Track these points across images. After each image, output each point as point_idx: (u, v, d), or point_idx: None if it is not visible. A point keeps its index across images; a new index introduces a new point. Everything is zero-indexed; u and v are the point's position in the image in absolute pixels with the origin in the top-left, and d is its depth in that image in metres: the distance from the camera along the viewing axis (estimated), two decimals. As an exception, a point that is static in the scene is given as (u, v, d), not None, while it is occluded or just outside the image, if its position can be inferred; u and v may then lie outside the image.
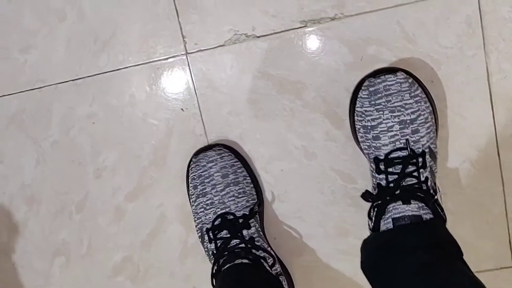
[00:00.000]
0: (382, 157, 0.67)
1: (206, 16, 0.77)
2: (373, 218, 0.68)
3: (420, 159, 0.67)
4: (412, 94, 0.68)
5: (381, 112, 0.67)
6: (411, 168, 0.66)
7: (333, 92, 0.77)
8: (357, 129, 0.71)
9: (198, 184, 0.76)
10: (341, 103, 0.77)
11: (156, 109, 0.81)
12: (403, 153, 0.67)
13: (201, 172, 0.76)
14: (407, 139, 0.67)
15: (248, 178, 0.78)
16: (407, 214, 0.64)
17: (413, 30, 0.73)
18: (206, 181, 0.75)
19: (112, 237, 0.86)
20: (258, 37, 0.77)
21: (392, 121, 0.67)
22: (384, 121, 0.67)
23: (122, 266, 0.87)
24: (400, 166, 0.66)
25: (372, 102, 0.68)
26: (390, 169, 0.67)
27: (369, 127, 0.69)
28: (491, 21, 0.72)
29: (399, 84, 0.67)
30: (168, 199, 0.83)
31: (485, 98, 0.75)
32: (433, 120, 0.70)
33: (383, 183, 0.67)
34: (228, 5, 0.76)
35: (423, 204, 0.65)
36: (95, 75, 0.81)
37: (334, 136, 0.78)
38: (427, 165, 0.67)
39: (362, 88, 0.70)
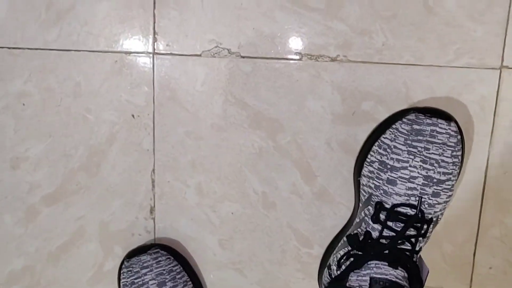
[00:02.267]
0: (388, 206, 0.57)
1: (188, 16, 0.64)
2: (342, 266, 0.57)
3: (425, 226, 0.57)
4: (454, 154, 0.57)
5: (412, 157, 0.57)
6: (411, 232, 0.56)
7: (312, 141, 0.66)
8: (369, 160, 0.60)
9: None
10: (318, 156, 0.66)
11: (103, 108, 0.67)
12: (411, 212, 0.56)
13: (134, 279, 0.64)
14: (422, 199, 0.56)
15: (190, 283, 0.67)
16: (389, 279, 0.54)
17: (419, 96, 0.63)
18: None
19: (16, 239, 0.72)
20: (243, 57, 0.65)
21: (418, 172, 0.56)
22: (409, 168, 0.57)
23: (20, 275, 0.73)
24: (402, 225, 0.56)
25: (408, 142, 0.57)
26: (389, 223, 0.56)
27: (389, 167, 0.57)
28: (506, 109, 0.63)
29: (447, 136, 0.57)
30: (92, 213, 0.70)
31: (477, 191, 0.66)
32: (453, 192, 0.60)
33: (375, 234, 0.57)
34: (217, 10, 0.64)
35: (407, 276, 0.56)
36: (39, 49, 0.66)
37: (301, 190, 0.67)
38: (427, 235, 0.58)
39: (405, 120, 0.58)
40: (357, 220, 0.61)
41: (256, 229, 0.69)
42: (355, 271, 0.56)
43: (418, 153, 0.56)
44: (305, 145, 0.66)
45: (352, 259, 0.57)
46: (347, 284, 0.55)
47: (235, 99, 0.66)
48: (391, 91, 0.63)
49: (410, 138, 0.57)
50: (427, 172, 0.56)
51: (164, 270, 0.64)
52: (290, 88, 0.65)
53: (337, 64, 0.64)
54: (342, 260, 0.58)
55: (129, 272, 0.65)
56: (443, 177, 0.57)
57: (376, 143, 0.60)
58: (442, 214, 0.59)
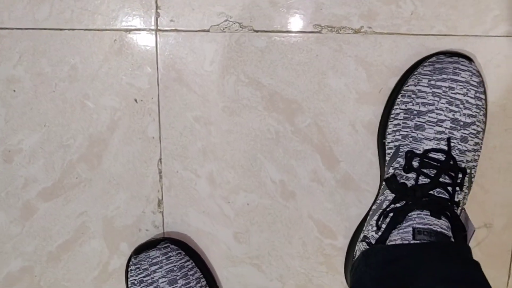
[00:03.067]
0: (419, 152, 0.52)
1: (194, -12, 0.58)
2: (383, 226, 0.51)
3: (460, 175, 0.52)
4: (477, 95, 0.53)
5: (437, 99, 0.53)
6: (446, 179, 0.51)
7: (335, 124, 0.60)
8: (394, 114, 0.55)
9: None
10: (341, 140, 0.60)
11: (102, 93, 0.61)
12: (442, 158, 0.52)
13: (143, 277, 0.59)
14: (451, 143, 0.52)
15: (203, 280, 0.61)
16: (434, 229, 0.49)
17: (454, 71, 0.57)
18: None
19: (12, 239, 0.66)
20: (256, 31, 0.58)
21: (445, 115, 0.52)
22: (436, 111, 0.53)
23: (18, 277, 0.67)
24: (435, 171, 0.51)
25: (432, 83, 0.53)
26: (424, 170, 0.51)
27: (415, 112, 0.53)
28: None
29: (470, 74, 0.53)
30: (94, 208, 0.64)
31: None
32: (481, 143, 0.55)
33: (410, 183, 0.52)
34: (225, -20, 0.57)
35: (450, 226, 0.50)
36: (29, 29, 0.60)
37: (323, 177, 0.61)
38: (464, 187, 0.52)
39: (426, 64, 0.54)
40: (382, 186, 0.56)
41: (274, 220, 0.63)
42: (397, 227, 0.50)
43: (443, 94, 0.53)
44: (326, 128, 0.60)
45: (391, 214, 0.51)
46: (387, 242, 0.50)
47: (248, 79, 0.59)
48: (421, 65, 0.57)
49: (434, 77, 0.53)
50: (453, 115, 0.53)
51: (175, 266, 0.59)
52: (310, 65, 0.58)
53: (361, 36, 0.57)
54: (380, 221, 0.52)
55: (137, 270, 0.59)
56: (468, 120, 0.53)
57: (399, 95, 0.56)
58: (475, 169, 0.54)
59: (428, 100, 0.53)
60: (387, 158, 0.56)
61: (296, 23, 0.58)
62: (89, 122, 0.62)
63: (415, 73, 0.55)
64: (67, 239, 0.66)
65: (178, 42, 0.59)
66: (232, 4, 0.58)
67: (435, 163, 0.51)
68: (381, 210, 0.53)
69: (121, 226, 0.65)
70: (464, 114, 0.53)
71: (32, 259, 0.67)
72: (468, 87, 0.53)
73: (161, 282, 0.58)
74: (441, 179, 0.51)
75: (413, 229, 0.49)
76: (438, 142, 0.52)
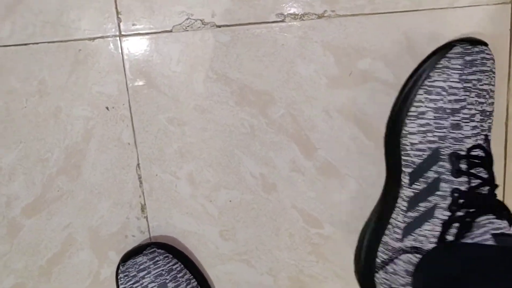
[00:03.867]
0: (463, 153, 0.50)
1: (152, -11, 0.57)
2: (448, 238, 0.49)
3: (493, 168, 0.51)
4: (494, 80, 0.52)
5: (468, 94, 0.51)
6: (487, 175, 0.50)
7: (308, 111, 0.59)
8: (417, 112, 0.52)
9: None
10: (316, 127, 0.59)
11: (73, 103, 0.61)
12: (482, 154, 0.50)
13: (132, 284, 0.58)
14: (486, 135, 0.51)
15: (193, 280, 0.60)
16: (508, 233, 0.46)
17: (423, 46, 0.56)
18: None
19: (2, 258, 0.66)
20: (219, 26, 0.57)
21: (476, 109, 0.51)
22: (468, 106, 0.51)
23: (12, 295, 0.68)
24: (481, 169, 0.50)
25: (463, 77, 0.50)
26: (472, 171, 0.49)
27: (448, 111, 0.51)
28: (521, 47, 0.56)
29: (492, 62, 0.51)
30: (79, 219, 0.64)
31: (499, 144, 0.59)
32: None
33: (464, 188, 0.49)
34: (182, -23, 0.56)
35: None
36: (-7, 47, 0.60)
37: (302, 166, 0.60)
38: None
39: (452, 55, 0.51)
40: (416, 187, 0.52)
41: (258, 215, 0.62)
42: (466, 235, 0.48)
43: (473, 87, 0.51)
44: (300, 117, 0.59)
45: (457, 224, 0.49)
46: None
47: (216, 75, 0.59)
48: (389, 44, 0.56)
49: (465, 71, 0.51)
50: (481, 107, 0.51)
51: (163, 270, 0.58)
52: (276, 55, 0.58)
53: (325, 21, 0.56)
54: (447, 231, 0.49)
55: (126, 277, 0.59)
56: (490, 109, 0.52)
57: (421, 91, 0.52)
58: None
59: (460, 96, 0.50)
60: (415, 160, 0.52)
61: (258, 14, 0.57)
62: (64, 134, 0.62)
63: (440, 66, 0.52)
64: (56, 252, 0.65)
65: (142, 45, 0.59)
66: (192, 2, 0.57)
67: (478, 161, 0.50)
68: (438, 220, 0.50)
69: (107, 235, 0.64)
70: (489, 104, 0.52)
71: (24, 276, 0.67)
72: (491, 76, 0.52)
73: (151, 287, 0.58)
74: (485, 175, 0.50)
75: (493, 235, 0.46)
76: (476, 138, 0.50)
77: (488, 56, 0.51)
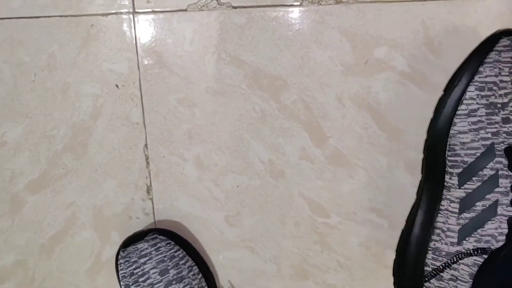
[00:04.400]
0: None
1: (168, -34, 0.56)
2: None
3: None
4: None
5: None
6: None
7: (321, 98, 0.58)
8: (468, 110, 0.50)
9: (131, 284, 0.58)
10: (328, 115, 0.58)
11: (82, 80, 0.60)
12: None
13: (133, 269, 0.57)
14: None
15: (195, 267, 0.60)
16: None
17: (441, 37, 0.55)
18: (140, 280, 0.57)
19: (3, 234, 0.65)
20: (235, 7, 0.56)
21: None
22: None
23: (11, 271, 0.67)
24: None
25: None
26: None
27: (499, 105, 0.50)
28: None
29: None
30: (83, 198, 0.63)
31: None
32: None
33: None
34: (200, -44, 0.55)
35: None
36: (4, 18, 0.59)
37: (312, 154, 0.60)
38: None
39: (501, 48, 0.50)
40: (469, 187, 0.50)
41: (265, 201, 0.62)
42: None
43: None
44: (313, 103, 0.58)
45: None
46: None
47: (230, 57, 0.58)
48: (407, 33, 0.55)
49: None
50: None
51: (165, 257, 0.58)
52: (292, 39, 0.57)
53: (343, 6, 0.56)
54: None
55: (127, 263, 0.58)
56: None
57: (472, 88, 0.50)
58: None
59: (509, 90, 0.50)
60: (467, 159, 0.50)
61: (275, -4, 0.56)
62: (71, 111, 0.61)
63: (490, 60, 0.50)
64: (58, 230, 0.65)
65: (156, 23, 0.58)
66: (208, -19, 0.56)
67: None
68: (503, 217, 0.48)
69: (111, 215, 0.64)
70: None
71: (25, 253, 0.66)
72: None
73: (152, 273, 0.57)
74: None
75: None
76: None
77: None
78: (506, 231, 0.48)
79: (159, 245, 0.58)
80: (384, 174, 0.59)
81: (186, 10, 0.57)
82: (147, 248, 0.58)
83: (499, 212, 0.49)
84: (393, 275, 0.55)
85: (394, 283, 0.55)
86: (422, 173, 0.54)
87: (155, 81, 0.59)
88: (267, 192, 0.61)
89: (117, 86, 0.60)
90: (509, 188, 0.49)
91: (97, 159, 0.62)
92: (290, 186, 0.61)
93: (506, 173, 0.49)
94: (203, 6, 0.57)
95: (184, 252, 0.59)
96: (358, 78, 0.57)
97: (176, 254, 0.59)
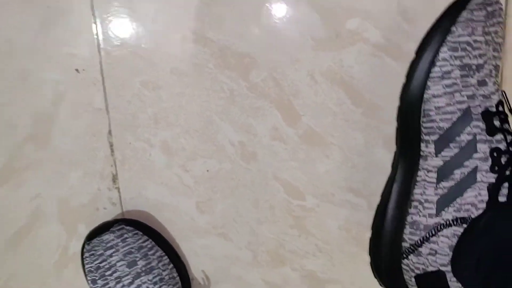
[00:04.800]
0: (494, 110, 0.47)
1: None
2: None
3: None
4: (503, 34, 0.50)
5: (488, 47, 0.47)
6: None
7: (292, 75, 0.55)
8: (441, 72, 0.47)
9: (97, 278, 0.55)
10: (300, 92, 0.56)
11: (42, 66, 0.57)
12: (501, 108, 0.48)
13: (99, 263, 0.55)
14: (503, 91, 0.48)
15: (165, 257, 0.57)
16: None
17: (415, 6, 0.53)
18: (107, 273, 0.55)
19: (-35, 231, 0.62)
20: (197, -18, 0.54)
21: (493, 64, 0.48)
22: (488, 61, 0.47)
23: (-24, 270, 0.64)
24: (507, 125, 0.47)
25: (486, 29, 0.47)
26: (505, 126, 0.47)
27: (473, 68, 0.47)
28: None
29: (503, 13, 0.49)
30: (48, 190, 0.60)
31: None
32: None
33: (503, 146, 0.47)
34: None
35: None
36: (-46, 2, 0.55)
37: (285, 134, 0.57)
38: None
39: (473, 7, 0.47)
40: (446, 155, 0.48)
41: (237, 185, 0.59)
42: None
43: (491, 40, 0.47)
44: (284, 81, 0.56)
45: (506, 185, 0.46)
46: None
47: (195, 35, 0.55)
48: (380, 3, 0.53)
49: (488, 23, 0.47)
50: (495, 61, 0.48)
51: (132, 248, 0.55)
52: (259, 14, 0.54)
53: (310, -23, 0.53)
54: (492, 197, 0.46)
55: (92, 256, 0.55)
56: (499, 63, 0.48)
57: (444, 48, 0.47)
58: None
59: (483, 50, 0.47)
60: (443, 125, 0.48)
61: (239, -31, 0.53)
62: (32, 98, 0.58)
63: (464, 19, 0.47)
64: (23, 225, 0.62)
65: (116, 3, 0.55)
66: (168, -45, 0.53)
67: (504, 117, 0.47)
68: (482, 184, 0.46)
69: (77, 206, 0.61)
70: (499, 58, 0.48)
71: (-11, 250, 0.63)
72: (502, 26, 0.48)
73: (120, 266, 0.54)
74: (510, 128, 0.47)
75: None
76: (497, 93, 0.47)
77: (502, 7, 0.48)
78: (486, 198, 0.46)
79: (125, 236, 0.55)
80: (361, 152, 0.56)
81: (146, -14, 0.54)
82: (113, 240, 0.55)
83: (478, 179, 0.46)
84: (369, 254, 0.52)
85: (371, 263, 0.52)
86: (396, 143, 0.51)
87: (117, 64, 0.56)
88: (239, 176, 0.59)
89: (77, 70, 0.57)
90: (488, 154, 0.46)
91: (61, 149, 0.59)
92: (263, 168, 0.58)
93: (484, 138, 0.47)
94: (164, -18, 0.54)
95: (153, 242, 0.57)
96: (330, 52, 0.54)
97: (144, 244, 0.56)
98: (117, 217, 0.60)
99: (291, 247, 0.60)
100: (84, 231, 0.61)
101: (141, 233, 0.56)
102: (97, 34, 0.56)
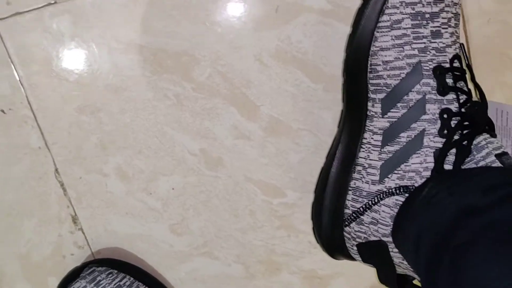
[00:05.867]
0: (447, 65, 0.42)
1: (20, -44, 0.47)
2: (446, 165, 0.41)
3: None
4: None
5: None
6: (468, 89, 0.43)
7: (239, 64, 0.50)
8: (390, 22, 0.42)
9: None
10: (252, 81, 0.50)
11: (-38, 114, 0.50)
12: (457, 64, 0.42)
13: None
14: (461, 44, 0.43)
15: None
16: (506, 151, 0.41)
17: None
18: None
19: None
20: (111, -15, 0.48)
21: (451, 12, 0.42)
22: (446, 8, 0.42)
23: None
24: (463, 83, 0.42)
25: None
26: (458, 85, 0.42)
27: (427, 16, 0.41)
28: None
29: None
30: (3, 249, 0.54)
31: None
32: None
33: (454, 107, 0.41)
34: None
35: None
36: None
37: (247, 130, 0.51)
38: None
39: None
40: (393, 115, 0.43)
41: (209, 197, 0.53)
42: (465, 162, 0.40)
43: None
44: (231, 73, 0.50)
45: (454, 151, 0.41)
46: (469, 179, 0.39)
47: (122, 44, 0.49)
48: (314, -36, 0.47)
49: None
50: (455, 9, 0.43)
51: None
52: (186, 6, 0.48)
53: (233, -48, 0.47)
54: (440, 159, 0.41)
55: None
56: (460, 11, 0.43)
57: None
58: None
59: None
60: (390, 81, 0.43)
61: (153, -40, 0.47)
62: (-39, 154, 0.51)
63: None
64: (-13, 292, 0.56)
65: (26, 27, 0.48)
66: (70, -39, 0.47)
67: (459, 73, 0.42)
68: (429, 149, 0.41)
69: (41, 260, 0.55)
70: (460, 5, 0.43)
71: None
72: None
73: None
74: (466, 89, 0.42)
75: (497, 156, 0.39)
76: (454, 46, 0.42)
77: None
78: (431, 165, 0.41)
79: (98, 278, 0.50)
80: (332, 131, 0.51)
81: (55, 2, 0.48)
82: (85, 286, 0.49)
83: (425, 143, 0.41)
84: (311, 219, 0.48)
85: (313, 229, 0.48)
86: (342, 100, 0.46)
87: (45, 94, 0.50)
88: (209, 187, 0.53)
89: (3, 111, 0.50)
90: (437, 115, 0.41)
91: (6, 201, 0.53)
92: (233, 173, 0.53)
93: (435, 97, 0.41)
94: (74, -8, 0.48)
95: (132, 278, 0.51)
96: (273, 30, 0.49)
97: (122, 283, 0.50)
98: (86, 260, 0.54)
99: (284, 250, 0.55)
100: (56, 283, 0.55)
101: (116, 271, 0.51)
102: (14, 67, 0.49)
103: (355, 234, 0.45)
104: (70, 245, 0.54)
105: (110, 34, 0.49)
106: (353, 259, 0.48)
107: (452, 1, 0.42)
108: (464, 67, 0.43)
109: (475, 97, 0.43)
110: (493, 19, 0.50)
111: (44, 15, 0.48)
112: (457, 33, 0.43)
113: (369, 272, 0.53)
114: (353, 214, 0.44)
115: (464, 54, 0.43)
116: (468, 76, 0.43)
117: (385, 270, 0.44)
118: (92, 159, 0.52)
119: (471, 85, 0.43)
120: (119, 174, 0.52)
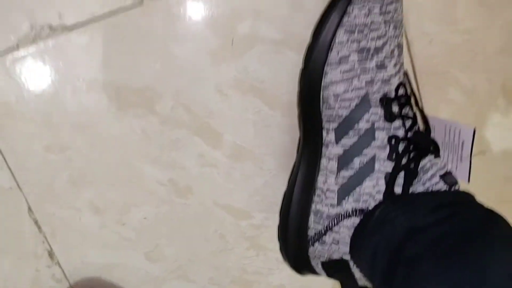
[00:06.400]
0: (393, 95, 0.44)
1: (-21, 6, 0.48)
2: (397, 189, 0.44)
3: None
4: (402, 10, 0.47)
5: (387, 27, 0.44)
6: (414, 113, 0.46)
7: (200, 95, 0.52)
8: (339, 58, 0.44)
9: None
10: (214, 111, 0.52)
11: None
12: (402, 91, 0.45)
13: None
14: (405, 71, 0.46)
15: None
16: (450, 171, 0.44)
17: (304, -6, 0.50)
18: None
19: None
20: (70, 28, 0.49)
21: (394, 43, 0.45)
22: (388, 41, 0.44)
23: None
24: (408, 108, 0.45)
25: (383, 8, 0.44)
26: (404, 112, 0.45)
27: (372, 51, 0.44)
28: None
29: None
30: (-17, 288, 0.56)
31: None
32: None
33: (401, 133, 0.44)
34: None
35: None
36: None
37: (212, 158, 0.53)
38: None
39: None
40: (346, 143, 0.45)
41: (181, 224, 0.55)
42: (413, 183, 0.43)
43: (390, 19, 0.44)
44: (193, 105, 0.52)
45: (402, 174, 0.43)
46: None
47: (85, 83, 0.51)
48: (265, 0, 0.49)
49: (386, 1, 0.44)
50: (397, 40, 0.45)
51: None
52: (145, 42, 0.50)
53: (187, -10, 0.49)
54: (388, 187, 0.44)
55: None
56: (401, 41, 0.45)
57: (341, 31, 0.44)
58: None
59: (382, 32, 0.44)
60: (342, 112, 0.45)
61: (111, 1, 0.49)
62: None
63: (358, 1, 0.44)
64: (-31, 331, 0.57)
65: (-10, 72, 0.50)
66: (30, 6, 0.48)
67: (404, 100, 0.45)
68: (380, 173, 0.44)
69: (19, 297, 0.56)
70: (402, 35, 0.46)
71: None
72: (401, 3, 0.45)
73: None
74: (411, 114, 0.45)
75: (441, 177, 0.42)
76: (398, 75, 0.45)
77: None
78: (383, 188, 0.44)
79: None
80: (292, 153, 0.53)
81: (17, 47, 0.49)
82: None
83: (376, 167, 0.44)
84: (278, 240, 0.50)
85: (280, 249, 0.50)
86: (299, 129, 0.48)
87: (12, 136, 0.51)
88: (180, 214, 0.55)
89: (-29, 157, 0.52)
90: (385, 142, 0.44)
91: (-18, 241, 0.54)
92: (202, 200, 0.55)
93: (383, 125, 0.44)
94: (35, 37, 0.49)
95: None
96: (231, 62, 0.51)
97: None
98: (65, 293, 0.56)
99: (254, 269, 0.57)
100: (36, 318, 0.56)
101: None
102: (-18, 111, 0.51)
103: (319, 253, 0.47)
104: (48, 279, 0.56)
105: (72, 74, 0.50)
106: (319, 274, 0.50)
107: (394, 34, 0.44)
108: (409, 93, 0.45)
109: (420, 121, 0.46)
110: (435, 40, 0.53)
111: (5, 60, 0.49)
112: (400, 61, 0.45)
113: (334, 284, 0.55)
114: (316, 235, 0.47)
115: (409, 81, 0.46)
116: (413, 100, 0.46)
117: (348, 284, 0.47)
118: (64, 195, 0.53)
119: (416, 109, 0.46)
120: (92, 207, 0.54)
